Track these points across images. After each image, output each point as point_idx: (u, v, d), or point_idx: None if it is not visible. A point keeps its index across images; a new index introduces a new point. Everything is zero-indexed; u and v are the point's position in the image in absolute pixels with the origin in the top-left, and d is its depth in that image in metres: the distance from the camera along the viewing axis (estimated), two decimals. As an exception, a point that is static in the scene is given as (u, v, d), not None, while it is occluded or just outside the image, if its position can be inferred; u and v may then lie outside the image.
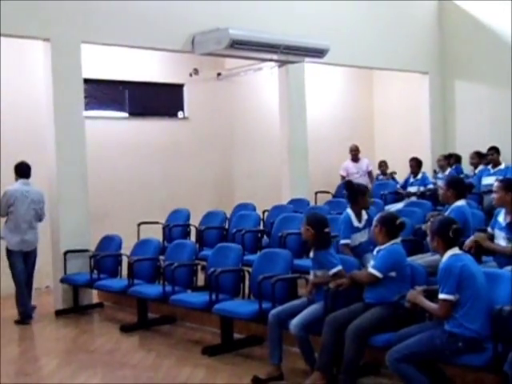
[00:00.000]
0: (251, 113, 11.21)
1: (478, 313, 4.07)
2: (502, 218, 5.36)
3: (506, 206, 5.34)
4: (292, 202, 9.06)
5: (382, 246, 4.79)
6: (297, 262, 6.19)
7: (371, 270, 4.72)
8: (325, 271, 5.11)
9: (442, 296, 4.12)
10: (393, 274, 4.70)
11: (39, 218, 7.31)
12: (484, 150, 9.62)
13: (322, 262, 5.13)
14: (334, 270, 5.07)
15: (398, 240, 4.84)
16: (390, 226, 4.80)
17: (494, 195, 5.44)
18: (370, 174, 10.74)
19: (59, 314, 7.50)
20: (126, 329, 6.74)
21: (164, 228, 8.46)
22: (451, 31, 11.73)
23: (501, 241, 5.29)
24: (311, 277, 5.21)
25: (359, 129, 12.69)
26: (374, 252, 4.93)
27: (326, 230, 5.17)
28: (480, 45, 11.29)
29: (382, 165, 11.09)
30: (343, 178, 10.82)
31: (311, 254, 5.23)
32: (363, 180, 10.02)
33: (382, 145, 11.70)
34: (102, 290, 7.42)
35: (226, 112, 10.93)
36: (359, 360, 4.64)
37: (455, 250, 4.24)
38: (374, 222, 4.90)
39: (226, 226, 8.38)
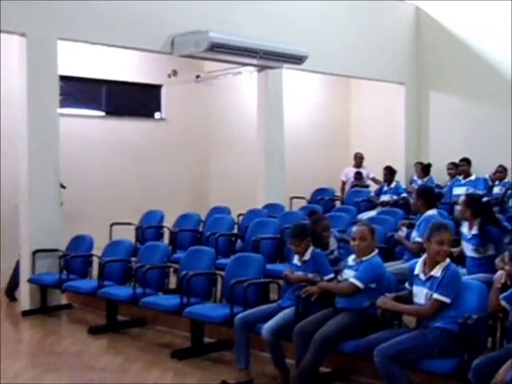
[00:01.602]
0: (229, 116, 11.20)
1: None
2: (465, 229, 5.47)
3: (466, 220, 5.50)
4: (267, 206, 9.07)
5: (364, 258, 4.80)
6: (270, 266, 6.20)
7: (354, 281, 4.72)
8: (316, 275, 5.10)
9: (439, 297, 4.19)
10: (373, 285, 4.73)
11: None
12: (456, 161, 9.74)
13: (320, 262, 5.11)
14: (330, 276, 5.08)
15: (376, 252, 4.87)
16: (373, 238, 4.83)
17: (458, 207, 5.59)
18: (374, 180, 10.85)
19: (26, 314, 7.36)
20: (94, 331, 6.65)
21: (137, 229, 8.39)
22: (427, 43, 11.87)
23: (468, 252, 5.39)
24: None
25: (336, 136, 12.77)
26: (350, 262, 4.93)
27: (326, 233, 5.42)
28: (454, 57, 11.44)
29: (358, 177, 11.14)
30: (343, 183, 11.03)
31: (299, 258, 5.21)
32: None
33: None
34: (71, 290, 7.31)
35: (203, 114, 10.91)
36: (318, 367, 4.65)
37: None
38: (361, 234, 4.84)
39: (200, 229, 8.35)
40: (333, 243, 5.73)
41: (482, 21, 10.99)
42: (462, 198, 5.63)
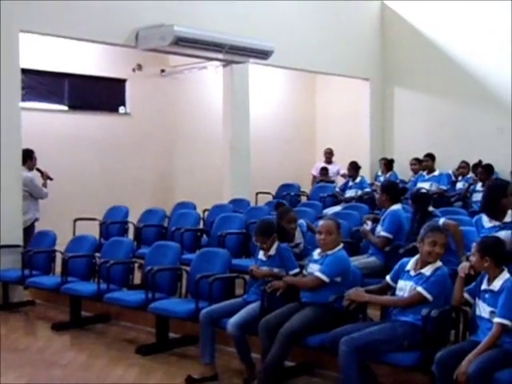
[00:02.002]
0: (194, 111, 11.14)
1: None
2: None
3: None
4: (232, 201, 9.06)
5: (329, 252, 4.82)
6: (235, 261, 6.19)
7: (319, 275, 4.74)
8: (281, 270, 5.11)
9: (422, 291, 4.22)
10: (338, 279, 4.75)
11: None
12: (420, 157, 9.87)
13: (286, 257, 5.11)
14: (295, 271, 5.09)
15: (341, 245, 4.90)
16: (339, 232, 4.85)
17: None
18: (344, 176, 10.92)
19: (-13, 311, 7.25)
20: (57, 327, 6.55)
21: (101, 225, 8.29)
22: (392, 40, 12.00)
23: None
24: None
25: (301, 131, 12.82)
26: (315, 257, 4.95)
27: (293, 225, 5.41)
28: (419, 54, 11.59)
29: (323, 172, 11.20)
30: (314, 177, 11.15)
31: (264, 253, 5.21)
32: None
33: (323, 148, 11.83)
34: (34, 287, 7.19)
35: (168, 109, 10.83)
36: (283, 361, 4.67)
37: None
38: (326, 229, 4.86)
39: (165, 225, 8.29)
40: (298, 237, 5.75)
41: (448, 18, 11.16)
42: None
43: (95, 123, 10.09)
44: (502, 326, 3.83)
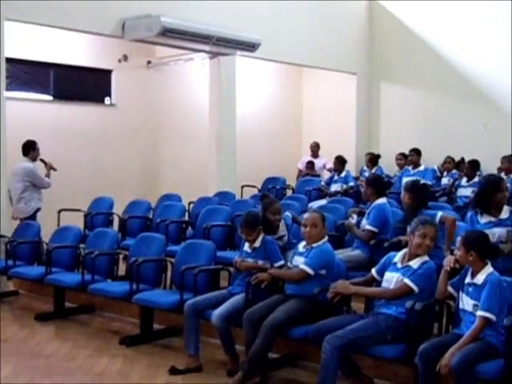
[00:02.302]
0: (180, 103, 11.10)
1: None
2: None
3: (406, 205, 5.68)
4: (218, 194, 9.05)
5: (314, 244, 4.84)
6: (220, 253, 6.19)
7: (304, 267, 4.75)
8: (266, 262, 5.11)
9: (408, 283, 4.24)
10: (323, 271, 4.77)
11: None
12: (406, 151, 9.90)
13: (271, 250, 5.12)
14: (280, 263, 5.11)
15: (326, 238, 4.92)
16: (324, 225, 4.87)
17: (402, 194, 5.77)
18: (330, 170, 10.92)
19: (-30, 301, 7.19)
20: (41, 318, 6.53)
21: (86, 216, 8.25)
22: (380, 34, 12.02)
23: None
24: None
25: (288, 124, 12.82)
26: (300, 249, 4.97)
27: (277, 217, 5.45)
28: (406, 49, 11.62)
29: (309, 166, 11.21)
30: (300, 171, 11.16)
31: (249, 245, 5.21)
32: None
33: (309, 141, 11.84)
34: (18, 277, 7.16)
35: (154, 101, 10.77)
36: (266, 353, 4.68)
37: None
38: (310, 222, 4.87)
39: (151, 216, 8.27)
40: (282, 229, 5.77)
41: (435, 14, 11.19)
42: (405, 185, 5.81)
43: (80, 114, 10.01)
44: (485, 319, 3.87)
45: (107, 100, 10.50)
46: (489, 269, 4.04)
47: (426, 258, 4.39)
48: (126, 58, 10.34)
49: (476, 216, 4.95)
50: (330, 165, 10.84)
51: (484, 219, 4.88)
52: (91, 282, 6.13)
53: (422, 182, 6.17)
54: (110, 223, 8.31)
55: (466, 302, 4.05)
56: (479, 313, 3.89)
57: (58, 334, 6.21)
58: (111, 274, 6.48)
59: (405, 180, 8.97)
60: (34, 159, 8.07)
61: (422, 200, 5.59)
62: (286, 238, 5.86)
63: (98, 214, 8.29)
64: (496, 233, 4.70)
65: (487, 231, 4.47)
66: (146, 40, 8.75)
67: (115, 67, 10.39)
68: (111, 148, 10.26)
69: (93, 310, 6.81)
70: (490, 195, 4.85)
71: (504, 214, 4.88)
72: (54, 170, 8.32)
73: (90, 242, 6.87)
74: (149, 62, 10.75)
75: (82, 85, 10.23)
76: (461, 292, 4.12)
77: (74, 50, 9.85)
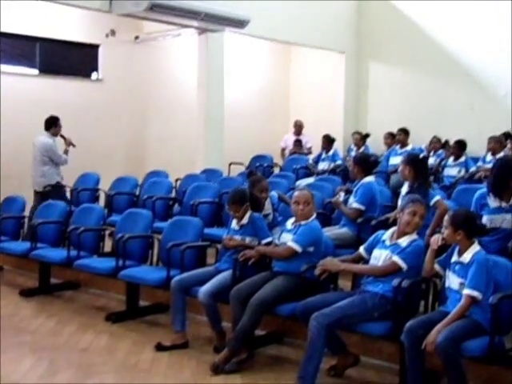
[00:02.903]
0: (168, 79, 10.99)
1: None
2: (404, 190, 5.56)
3: (406, 179, 5.58)
4: (205, 171, 9.00)
5: (302, 222, 4.82)
6: (207, 231, 6.17)
7: (292, 245, 4.74)
8: (254, 239, 5.10)
9: (397, 260, 4.25)
10: (311, 249, 4.76)
11: None
12: (394, 131, 9.90)
13: (259, 226, 5.11)
14: (268, 240, 5.10)
15: (314, 215, 4.91)
16: (313, 203, 4.85)
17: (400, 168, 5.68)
18: (309, 149, 10.91)
19: (-45, 277, 7.13)
20: (25, 293, 6.51)
21: (71, 192, 8.19)
22: (369, 13, 11.93)
23: None
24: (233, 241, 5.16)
25: (275, 103, 12.75)
26: (288, 227, 4.95)
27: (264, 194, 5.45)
28: (395, 29, 11.55)
29: (297, 144, 11.18)
30: (283, 149, 11.10)
31: (237, 222, 5.20)
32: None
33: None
34: (3, 252, 7.10)
35: (142, 76, 10.66)
36: (253, 330, 4.69)
37: None
38: (302, 199, 4.83)
39: (137, 193, 8.22)
40: (268, 208, 5.76)
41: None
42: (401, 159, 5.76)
43: (67, 88, 9.89)
44: (471, 297, 3.89)
45: (94, 75, 10.37)
46: (476, 247, 4.05)
47: (415, 236, 4.39)
48: (113, 32, 10.22)
49: (485, 198, 4.82)
50: (311, 144, 10.83)
51: (495, 203, 4.76)
52: (77, 257, 6.10)
53: (422, 155, 6.09)
54: (96, 199, 8.27)
55: (453, 280, 4.06)
56: (465, 291, 3.91)
57: (43, 309, 6.16)
58: (97, 250, 6.45)
59: (392, 159, 9.04)
60: (55, 135, 8.19)
61: (423, 174, 5.50)
62: (271, 217, 5.86)
63: (83, 190, 8.24)
64: (506, 219, 4.65)
65: (497, 216, 4.45)
66: (133, 15, 8.63)
67: (102, 42, 10.26)
68: (98, 123, 10.15)
69: (78, 286, 6.79)
70: (506, 179, 4.70)
71: None
72: (74, 146, 8.38)
73: (75, 217, 6.81)
74: (136, 38, 10.62)
75: (69, 59, 10.10)
76: (447, 270, 4.13)
77: (60, 24, 9.70)
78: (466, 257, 4.02)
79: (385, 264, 4.33)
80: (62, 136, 8.32)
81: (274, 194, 6.11)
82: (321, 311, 4.15)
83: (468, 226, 4.05)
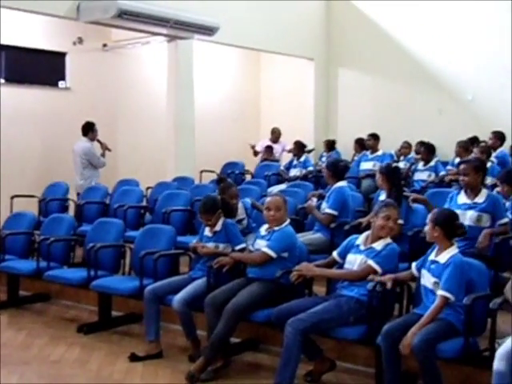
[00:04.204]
0: (137, 87, 10.90)
1: None
2: (382, 199, 5.58)
3: (382, 188, 5.68)
4: (176, 179, 8.94)
5: (276, 228, 4.80)
6: (180, 238, 6.11)
7: (266, 250, 4.71)
8: (228, 246, 5.07)
9: (373, 264, 4.26)
10: (285, 254, 4.74)
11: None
12: (364, 136, 9.95)
13: (232, 233, 5.08)
14: (242, 246, 5.07)
15: (288, 221, 4.89)
16: (286, 208, 4.83)
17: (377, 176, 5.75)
18: (291, 151, 10.83)
19: None
20: (-6, 307, 6.36)
21: (40, 202, 8.05)
22: (337, 20, 12.03)
23: None
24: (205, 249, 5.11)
25: (246, 109, 12.76)
26: (262, 232, 4.93)
27: (234, 201, 5.44)
28: (363, 35, 11.67)
29: (268, 150, 11.17)
30: (256, 153, 10.90)
31: (210, 229, 5.15)
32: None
33: (267, 127, 11.81)
34: (-31, 265, 6.93)
35: (110, 85, 10.55)
36: (229, 337, 4.65)
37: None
38: (276, 205, 4.82)
39: (108, 202, 8.11)
40: (241, 212, 5.73)
41: (392, 1, 11.22)
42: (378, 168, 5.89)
43: (34, 97, 9.73)
44: (445, 298, 3.91)
45: (61, 83, 10.23)
46: (454, 250, 4.07)
47: (389, 240, 4.41)
48: (80, 40, 10.10)
49: (456, 196, 5.07)
50: (289, 146, 10.82)
51: (461, 200, 4.97)
52: (47, 269, 5.97)
53: (394, 164, 6.18)
54: (65, 209, 8.14)
55: (428, 279, 4.08)
56: (439, 292, 3.93)
57: (13, 322, 6.04)
58: (67, 260, 6.33)
59: (363, 164, 9.09)
60: (92, 139, 8.80)
61: (396, 182, 5.57)
62: (245, 222, 5.84)
63: (52, 200, 8.09)
64: (468, 215, 4.75)
65: (459, 212, 4.52)
66: (101, 22, 8.54)
67: (70, 50, 10.13)
68: (66, 132, 9.97)
69: (48, 298, 6.67)
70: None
71: (480, 198, 4.96)
72: (109, 150, 9.01)
73: (44, 228, 6.69)
74: (105, 45, 10.51)
75: (36, 68, 9.94)
76: (423, 269, 4.15)
77: (26, 31, 9.55)
78: (443, 257, 4.04)
79: (360, 268, 4.33)
80: (99, 141, 8.90)
81: (247, 200, 6.09)
82: (296, 317, 4.13)
83: (446, 224, 4.07)
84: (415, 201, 5.51)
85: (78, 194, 8.51)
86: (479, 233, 4.85)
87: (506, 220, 4.98)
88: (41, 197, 8.22)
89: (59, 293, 6.58)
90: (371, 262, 4.29)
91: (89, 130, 8.75)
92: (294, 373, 4.12)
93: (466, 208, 4.91)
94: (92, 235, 6.20)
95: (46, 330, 5.72)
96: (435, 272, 4.04)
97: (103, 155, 8.87)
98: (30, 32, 9.59)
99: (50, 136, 9.80)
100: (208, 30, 9.32)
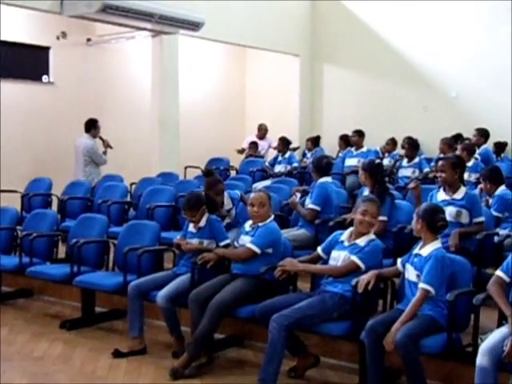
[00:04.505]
0: (122, 82, 10.84)
1: None
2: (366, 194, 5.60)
3: (365, 185, 5.68)
4: (161, 175, 8.90)
5: (260, 223, 4.79)
6: (164, 234, 6.08)
7: (251, 246, 4.70)
8: (212, 242, 5.05)
9: (356, 260, 4.28)
10: (269, 250, 4.73)
11: None
12: (349, 133, 9.97)
13: (216, 229, 5.06)
14: (226, 242, 5.05)
15: (272, 217, 4.88)
16: (270, 204, 4.83)
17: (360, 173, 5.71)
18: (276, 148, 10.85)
19: None
20: (-24, 303, 6.29)
21: (23, 197, 7.97)
22: (323, 17, 12.04)
23: None
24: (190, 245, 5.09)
25: (231, 105, 12.74)
26: (246, 228, 4.92)
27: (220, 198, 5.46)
28: (348, 32, 11.68)
29: (252, 147, 11.15)
30: (243, 150, 10.87)
31: (194, 225, 5.12)
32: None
33: (252, 123, 11.80)
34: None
35: (94, 79, 10.47)
36: (213, 333, 4.65)
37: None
38: (260, 200, 4.81)
39: (91, 197, 8.06)
40: (227, 203, 5.73)
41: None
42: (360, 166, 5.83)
43: (17, 92, 9.63)
44: (426, 291, 3.93)
45: (45, 78, 10.14)
46: (437, 244, 4.10)
47: (373, 236, 4.42)
48: (64, 34, 10.02)
49: (436, 193, 5.16)
50: (276, 143, 10.80)
51: (440, 197, 5.03)
52: (29, 264, 5.91)
53: (377, 161, 6.19)
54: (48, 205, 8.05)
55: (411, 272, 4.11)
56: (420, 285, 3.96)
57: (-5, 319, 5.99)
58: (50, 256, 6.27)
59: (348, 161, 9.11)
60: (94, 136, 8.85)
61: (379, 178, 5.57)
62: (233, 212, 5.81)
63: (35, 196, 8.01)
64: (447, 211, 4.78)
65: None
66: (85, 16, 8.49)
67: (53, 44, 10.04)
68: (50, 127, 9.93)
69: (31, 294, 6.60)
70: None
71: (458, 195, 5.01)
72: (111, 147, 9.00)
73: (27, 223, 6.62)
74: (89, 40, 10.44)
75: (19, 62, 9.83)
76: (407, 263, 4.17)
77: (9, 25, 9.41)
78: (426, 250, 4.07)
79: (343, 264, 4.34)
80: (101, 138, 8.93)
81: (236, 192, 6.08)
82: (280, 312, 4.13)
83: (428, 217, 4.10)
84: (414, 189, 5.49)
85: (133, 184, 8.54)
86: (459, 228, 4.90)
87: (481, 219, 5.03)
88: (23, 192, 8.14)
89: (42, 289, 6.52)
90: (354, 258, 4.30)
91: (91, 126, 8.82)
92: (278, 368, 4.12)
93: (445, 204, 4.94)
94: (75, 231, 6.15)
95: (28, 326, 5.68)
96: (417, 265, 4.07)
97: (105, 153, 8.92)
98: (13, 26, 9.47)
99: (33, 131, 9.71)
100: (193, 26, 9.29)
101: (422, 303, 3.94)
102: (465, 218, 4.99)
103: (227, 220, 5.70)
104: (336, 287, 4.32)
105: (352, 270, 4.28)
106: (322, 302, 4.24)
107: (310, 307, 4.20)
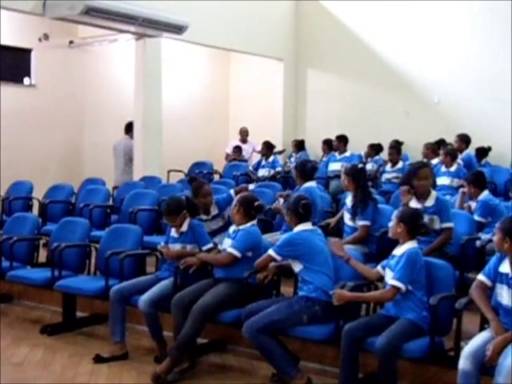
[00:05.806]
0: (105, 85, 10.77)
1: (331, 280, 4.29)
2: (348, 200, 5.61)
3: (348, 190, 5.65)
4: (144, 179, 8.84)
5: (241, 227, 4.77)
6: (147, 238, 6.05)
7: (231, 250, 4.69)
8: (195, 246, 5.02)
9: (274, 253, 4.36)
10: (249, 253, 4.72)
11: None
12: (333, 137, 10.00)
13: (198, 233, 5.03)
14: (209, 246, 5.03)
15: (255, 221, 4.86)
16: (249, 208, 4.80)
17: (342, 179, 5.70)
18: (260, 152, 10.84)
19: None
20: (-46, 308, 6.20)
21: (3, 201, 7.88)
22: (307, 22, 12.04)
23: (347, 220, 5.54)
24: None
25: (215, 109, 12.70)
26: (230, 231, 4.90)
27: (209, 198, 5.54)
28: (332, 37, 11.69)
29: (236, 151, 11.15)
30: (227, 155, 10.98)
31: (176, 230, 5.09)
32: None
33: (236, 127, 11.78)
34: None
35: (77, 82, 10.40)
36: (196, 338, 4.62)
37: (306, 226, 4.37)
38: (234, 202, 4.86)
39: (73, 201, 7.99)
40: (213, 209, 5.72)
41: (361, 3, 11.28)
42: (342, 170, 5.79)
43: (-3, 94, 9.55)
44: (395, 288, 3.95)
45: (26, 80, 10.05)
46: (413, 244, 4.12)
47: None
48: (46, 37, 9.95)
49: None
50: (259, 147, 10.80)
51: (412, 205, 5.00)
52: (9, 269, 5.84)
53: (360, 165, 6.19)
54: (29, 208, 7.97)
55: (389, 274, 4.12)
56: (390, 281, 3.98)
57: (-27, 324, 5.90)
58: (31, 260, 6.20)
59: (331, 165, 9.13)
60: (133, 137, 9.44)
61: (362, 183, 5.55)
62: (226, 214, 5.78)
63: (16, 199, 7.92)
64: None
65: None
66: (68, 19, 8.41)
67: (35, 46, 9.96)
68: (31, 130, 9.84)
69: (11, 299, 6.52)
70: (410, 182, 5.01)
71: (429, 202, 5.01)
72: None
73: (7, 227, 6.54)
74: (71, 42, 10.37)
75: (0, 64, 9.74)
76: (386, 267, 4.19)
77: (-10, 27, 9.36)
78: (400, 250, 4.10)
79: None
80: None
81: (231, 191, 6.06)
82: (250, 319, 4.17)
83: (410, 221, 4.12)
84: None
85: (116, 188, 8.70)
86: (434, 235, 4.89)
87: (449, 225, 5.00)
88: (4, 195, 8.05)
89: (22, 293, 6.44)
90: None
91: (130, 128, 9.37)
92: (283, 356, 4.20)
93: None
94: (57, 235, 6.09)
95: (8, 331, 5.59)
96: (393, 266, 4.09)
97: None
98: (-6, 27, 9.40)
99: (14, 133, 9.60)
100: (177, 29, 9.24)
101: (388, 299, 4.00)
102: (437, 225, 4.98)
103: (220, 223, 5.68)
104: (301, 290, 4.35)
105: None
106: (288, 306, 4.27)
107: (276, 312, 4.22)
